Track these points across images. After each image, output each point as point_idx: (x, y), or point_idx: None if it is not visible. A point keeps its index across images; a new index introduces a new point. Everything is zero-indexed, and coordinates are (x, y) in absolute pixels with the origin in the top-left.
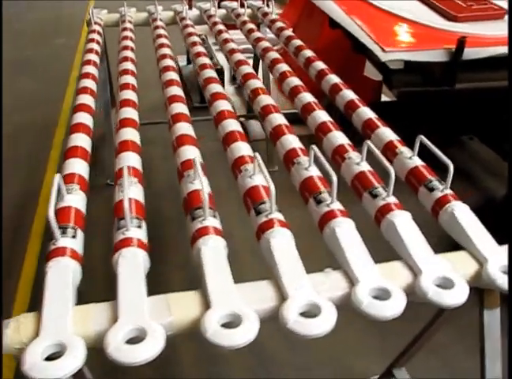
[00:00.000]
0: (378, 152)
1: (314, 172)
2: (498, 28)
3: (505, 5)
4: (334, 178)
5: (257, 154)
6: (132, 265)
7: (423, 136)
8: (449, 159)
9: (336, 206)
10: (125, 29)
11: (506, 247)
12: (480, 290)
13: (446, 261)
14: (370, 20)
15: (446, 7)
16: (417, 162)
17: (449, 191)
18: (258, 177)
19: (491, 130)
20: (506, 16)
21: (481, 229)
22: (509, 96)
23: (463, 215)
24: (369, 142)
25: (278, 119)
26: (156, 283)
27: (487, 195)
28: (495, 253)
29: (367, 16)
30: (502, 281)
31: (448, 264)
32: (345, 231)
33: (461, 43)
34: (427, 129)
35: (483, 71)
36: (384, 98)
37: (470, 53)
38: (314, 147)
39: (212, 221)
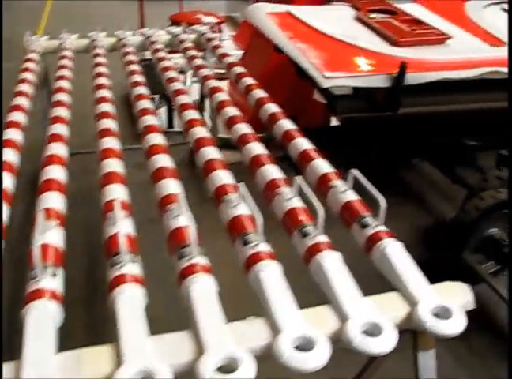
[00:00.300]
0: (308, 190)
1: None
2: (441, 53)
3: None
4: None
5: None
6: (41, 320)
7: (356, 171)
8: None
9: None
10: (62, 57)
11: (438, 286)
12: (414, 331)
13: (374, 305)
14: (313, 44)
15: (389, 31)
16: (350, 196)
17: (381, 228)
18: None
19: (439, 153)
20: (448, 41)
21: (413, 268)
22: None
23: (395, 253)
24: (299, 179)
25: (211, 153)
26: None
27: (437, 217)
28: (426, 295)
29: (310, 41)
30: (433, 324)
31: (377, 308)
32: (270, 275)
33: (403, 68)
34: (374, 153)
35: (428, 95)
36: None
37: (412, 78)
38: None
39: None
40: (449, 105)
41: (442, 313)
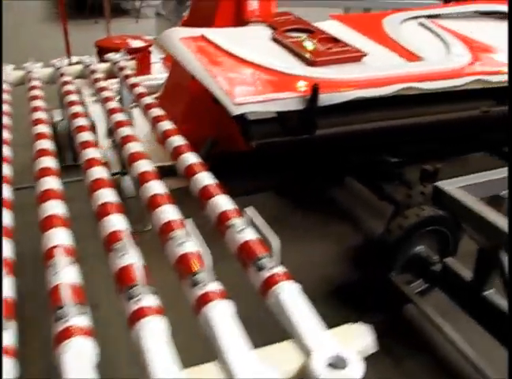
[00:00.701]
0: (197, 234)
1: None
2: (357, 71)
3: None
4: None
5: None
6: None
7: (252, 210)
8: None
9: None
10: None
11: (336, 330)
12: None
13: (266, 355)
14: (226, 69)
15: (304, 51)
16: (248, 236)
17: (278, 269)
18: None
19: (366, 171)
20: (365, 58)
21: (309, 314)
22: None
23: (289, 298)
24: (189, 222)
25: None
26: None
27: (367, 236)
28: (321, 343)
29: (223, 66)
30: (327, 376)
31: (266, 360)
32: None
33: (315, 89)
34: (296, 174)
35: (347, 114)
36: None
37: (326, 99)
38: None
39: None
40: (368, 123)
41: (338, 363)
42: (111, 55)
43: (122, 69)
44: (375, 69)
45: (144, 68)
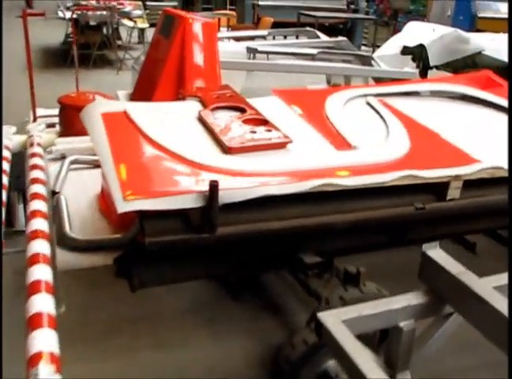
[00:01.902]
0: None
1: None
2: (275, 161)
3: None
4: None
5: None
6: None
7: None
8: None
9: None
10: None
11: None
12: None
13: None
14: (133, 155)
15: (223, 136)
16: None
17: None
18: None
19: (291, 265)
20: (290, 145)
21: None
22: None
23: None
24: None
25: None
26: None
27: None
28: None
29: (132, 150)
30: None
31: None
32: None
33: (214, 187)
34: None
35: (254, 211)
36: None
37: (228, 196)
38: None
39: None
40: (282, 221)
41: None
42: (30, 126)
43: (31, 144)
44: (296, 160)
45: None
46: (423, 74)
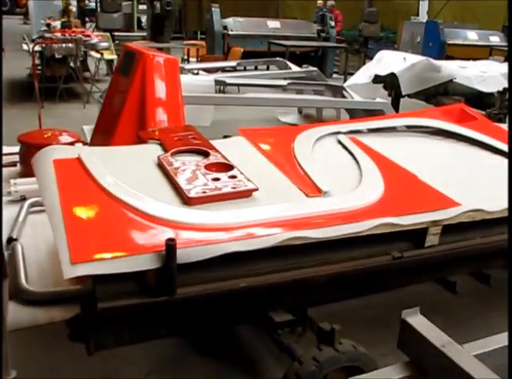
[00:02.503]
0: None
1: None
2: (239, 213)
3: None
4: None
5: None
6: None
7: None
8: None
9: None
10: None
11: None
12: None
13: None
14: (84, 209)
15: (182, 185)
16: None
17: None
18: None
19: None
20: (256, 193)
21: None
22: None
23: None
24: None
25: None
26: None
27: None
28: None
29: (83, 203)
30: None
31: None
32: None
33: (170, 246)
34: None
35: (219, 269)
36: None
37: (187, 255)
38: None
39: None
40: (245, 278)
41: None
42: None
43: None
44: (262, 210)
45: None
46: (396, 103)
